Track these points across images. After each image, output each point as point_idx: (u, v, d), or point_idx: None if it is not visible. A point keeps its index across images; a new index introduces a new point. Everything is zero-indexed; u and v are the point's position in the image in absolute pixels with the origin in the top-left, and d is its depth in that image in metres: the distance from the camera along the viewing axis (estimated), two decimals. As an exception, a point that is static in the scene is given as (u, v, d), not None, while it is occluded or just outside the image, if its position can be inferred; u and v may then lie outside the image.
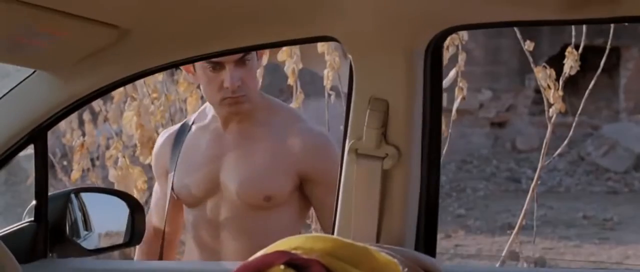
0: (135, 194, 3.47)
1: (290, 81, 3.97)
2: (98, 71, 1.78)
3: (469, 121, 12.59)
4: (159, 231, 2.46)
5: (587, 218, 9.78)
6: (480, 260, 7.97)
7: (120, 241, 2.17)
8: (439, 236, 1.70)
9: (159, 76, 4.14)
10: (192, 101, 4.05)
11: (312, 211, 2.49)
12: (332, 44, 3.90)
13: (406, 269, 1.28)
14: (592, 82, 4.38)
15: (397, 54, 1.55)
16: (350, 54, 1.59)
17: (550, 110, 4.04)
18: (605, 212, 9.98)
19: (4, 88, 1.86)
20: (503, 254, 4.49)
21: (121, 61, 1.76)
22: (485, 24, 1.60)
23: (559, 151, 4.51)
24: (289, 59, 3.85)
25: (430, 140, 1.60)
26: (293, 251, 1.06)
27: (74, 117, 6.06)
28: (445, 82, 3.85)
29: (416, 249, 1.58)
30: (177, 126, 2.52)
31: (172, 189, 2.39)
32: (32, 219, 1.91)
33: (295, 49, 3.85)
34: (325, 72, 3.92)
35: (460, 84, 4.19)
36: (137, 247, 2.45)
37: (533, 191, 4.22)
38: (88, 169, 4.92)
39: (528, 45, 4.15)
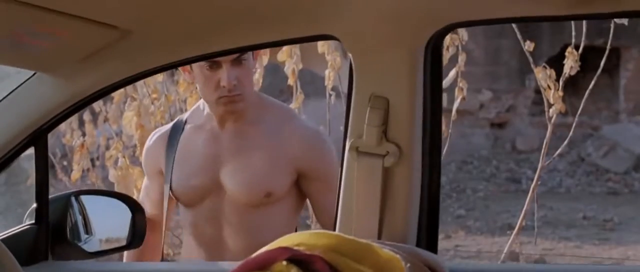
0: (135, 194, 3.47)
1: (291, 81, 3.97)
2: (98, 72, 1.78)
3: (469, 122, 12.58)
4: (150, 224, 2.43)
5: (587, 219, 9.77)
6: (480, 261, 7.96)
7: (121, 243, 2.18)
8: (439, 236, 1.69)
9: (159, 77, 4.14)
10: (192, 101, 4.05)
11: (311, 211, 2.51)
12: (332, 44, 3.90)
13: (409, 265, 1.28)
14: (592, 83, 4.38)
15: (397, 51, 1.55)
16: (350, 52, 1.59)
17: (551, 110, 4.05)
18: (605, 213, 9.97)
19: (4, 90, 1.86)
20: (503, 254, 4.49)
21: (122, 62, 1.76)
22: (485, 20, 1.60)
23: (559, 151, 4.51)
24: (289, 59, 3.85)
25: (430, 137, 1.59)
26: (296, 247, 1.06)
27: (74, 117, 6.04)
28: (445, 83, 3.85)
29: (418, 246, 1.57)
30: (168, 126, 2.51)
31: (170, 189, 2.40)
32: (33, 221, 1.91)
33: (295, 49, 3.85)
34: (327, 72, 3.92)
35: (460, 85, 4.19)
36: None
37: (533, 191, 4.22)
38: (88, 169, 4.92)
39: (528, 46, 4.16)
